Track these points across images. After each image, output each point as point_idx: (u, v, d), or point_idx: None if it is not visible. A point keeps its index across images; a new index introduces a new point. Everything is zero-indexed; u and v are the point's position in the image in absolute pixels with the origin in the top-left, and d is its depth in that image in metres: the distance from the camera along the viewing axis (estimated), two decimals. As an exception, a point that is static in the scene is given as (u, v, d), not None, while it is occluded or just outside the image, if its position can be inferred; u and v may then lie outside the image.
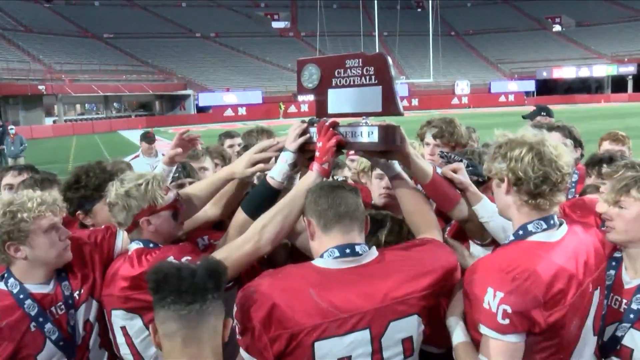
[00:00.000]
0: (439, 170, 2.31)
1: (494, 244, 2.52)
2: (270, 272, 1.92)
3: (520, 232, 1.93)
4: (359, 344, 1.77)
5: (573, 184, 3.88)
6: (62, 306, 2.25)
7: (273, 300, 1.75)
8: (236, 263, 2.06)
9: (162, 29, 65.28)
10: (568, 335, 1.87)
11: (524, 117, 6.40)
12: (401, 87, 54.04)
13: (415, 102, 54.09)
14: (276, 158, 2.28)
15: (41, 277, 2.24)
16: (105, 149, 26.12)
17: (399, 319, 1.83)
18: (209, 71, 57.12)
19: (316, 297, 1.76)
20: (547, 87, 60.54)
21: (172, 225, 2.29)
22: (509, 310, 1.71)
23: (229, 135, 5.67)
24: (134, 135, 27.81)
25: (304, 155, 2.22)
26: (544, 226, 1.91)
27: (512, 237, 1.96)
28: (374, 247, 1.93)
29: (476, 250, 2.70)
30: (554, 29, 72.94)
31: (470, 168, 2.49)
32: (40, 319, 2.17)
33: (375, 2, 51.24)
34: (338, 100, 2.15)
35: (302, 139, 2.18)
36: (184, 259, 2.07)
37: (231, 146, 5.43)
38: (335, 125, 2.13)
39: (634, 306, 2.19)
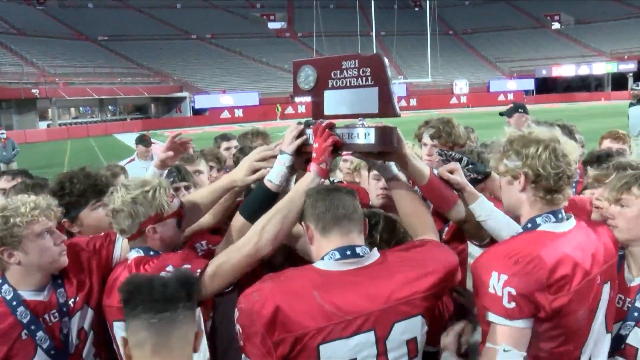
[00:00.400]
0: (435, 172, 2.32)
1: (492, 243, 2.53)
2: (271, 275, 1.91)
3: (529, 225, 1.98)
4: (364, 346, 1.77)
5: (574, 184, 3.89)
6: (56, 314, 2.23)
7: (276, 304, 1.74)
8: (237, 266, 2.06)
9: (157, 31, 65.29)
10: (575, 325, 1.89)
11: (501, 114, 6.45)
12: (399, 87, 54.09)
13: (413, 102, 54.15)
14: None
15: (36, 283, 2.22)
16: (101, 153, 26.10)
17: (403, 319, 1.83)
18: (204, 73, 57.12)
19: (320, 299, 1.76)
20: (546, 86, 60.65)
21: (176, 232, 2.28)
22: (514, 292, 1.76)
23: (226, 137, 5.67)
24: (129, 139, 27.80)
25: (301, 157, 2.22)
26: (553, 219, 1.96)
27: (520, 230, 2.01)
28: (375, 249, 1.94)
29: (474, 250, 2.71)
30: (553, 27, 73.10)
31: (470, 166, 2.50)
32: (32, 327, 2.16)
33: (373, 1, 51.28)
34: (334, 101, 2.16)
35: (298, 141, 2.18)
36: (184, 267, 2.06)
37: (228, 149, 5.43)
38: (331, 127, 2.13)
39: (638, 304, 2.21)
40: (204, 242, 2.65)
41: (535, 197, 1.96)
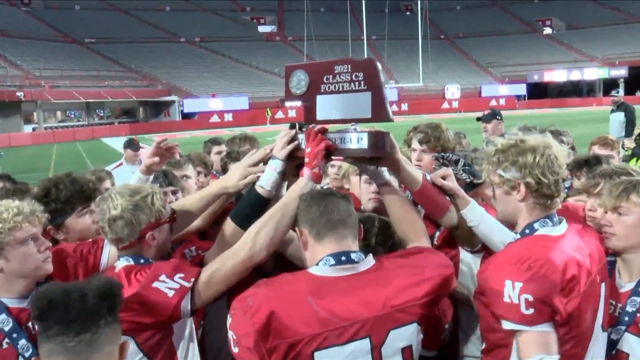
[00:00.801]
0: (428, 177, 2.33)
1: (484, 249, 2.54)
2: (265, 280, 1.91)
3: (527, 231, 2.00)
4: (359, 354, 1.77)
5: (566, 190, 3.93)
6: None
7: (271, 309, 1.73)
8: (231, 272, 2.04)
9: (146, 34, 65.10)
10: (585, 327, 1.93)
11: (478, 119, 6.53)
12: (390, 92, 54.22)
13: (404, 106, 54.32)
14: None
15: (20, 290, 2.19)
16: (88, 157, 25.93)
17: (399, 327, 1.83)
18: (193, 77, 56.98)
19: (315, 305, 1.76)
20: (538, 91, 61.08)
21: (169, 237, 2.28)
22: (531, 298, 1.76)
23: (216, 142, 5.67)
24: (117, 143, 27.68)
25: (292, 163, 2.22)
26: (550, 224, 2.00)
27: (518, 236, 2.03)
28: (370, 255, 1.94)
29: (466, 256, 2.72)
30: (544, 32, 73.70)
31: (467, 167, 2.52)
32: (14, 335, 2.12)
33: (363, 5, 51.48)
34: (327, 106, 2.16)
35: (290, 147, 2.18)
36: (176, 277, 2.05)
37: (218, 153, 5.43)
38: (323, 131, 2.13)
39: (628, 309, 2.23)
40: (193, 248, 2.64)
41: (535, 204, 1.99)
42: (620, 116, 12.10)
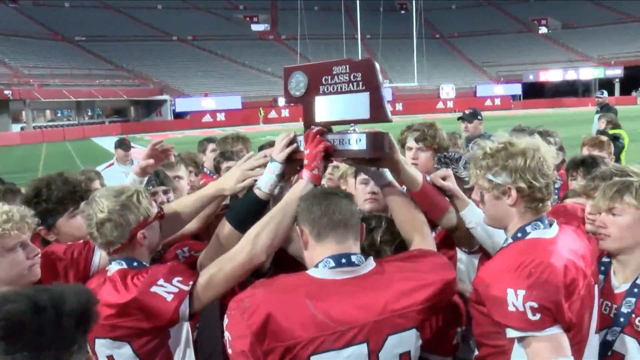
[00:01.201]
0: (428, 178, 2.33)
1: (481, 251, 2.55)
2: (263, 282, 1.90)
3: (519, 234, 1.98)
4: (357, 359, 1.76)
5: (556, 191, 3.94)
6: None
7: (268, 311, 1.72)
8: (230, 275, 2.03)
9: (137, 32, 64.91)
10: (584, 330, 1.92)
11: (460, 118, 6.59)
12: (385, 92, 54.11)
13: (399, 106, 54.39)
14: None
15: None
16: (78, 157, 25.83)
17: (397, 332, 1.82)
18: (186, 76, 56.86)
19: (313, 308, 1.74)
20: (533, 91, 61.35)
21: (159, 236, 2.26)
22: (536, 305, 1.74)
23: (212, 140, 5.69)
24: (108, 143, 27.58)
25: (291, 165, 2.22)
26: (541, 226, 1.98)
27: (510, 240, 2.00)
28: (371, 258, 1.93)
29: (463, 257, 2.73)
30: (540, 31, 74.04)
31: (468, 165, 2.53)
32: None
33: (358, 4, 51.51)
34: (325, 107, 2.16)
35: (289, 149, 2.18)
36: (174, 280, 2.03)
37: (214, 151, 5.45)
38: (322, 133, 2.13)
39: (623, 310, 2.24)
40: (185, 249, 2.64)
41: (526, 208, 1.96)
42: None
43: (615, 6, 70.29)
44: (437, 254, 2.12)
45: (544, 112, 46.67)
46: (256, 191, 2.18)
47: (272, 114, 50.79)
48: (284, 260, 2.34)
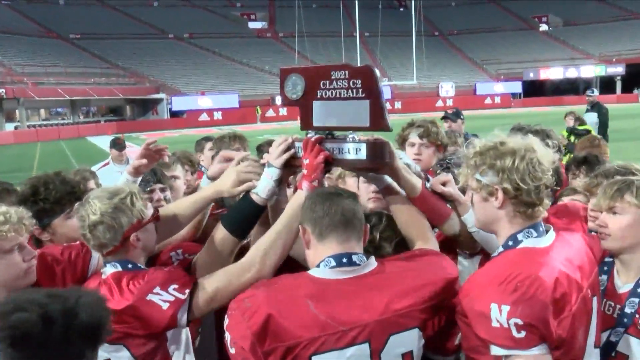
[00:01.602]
0: (427, 185, 2.32)
1: (481, 252, 2.55)
2: (264, 282, 1.91)
3: (510, 243, 1.90)
4: (359, 359, 1.76)
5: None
6: None
7: (269, 312, 1.73)
8: (236, 292, 2.01)
9: (133, 30, 64.81)
10: (578, 347, 1.84)
11: (443, 117, 6.61)
12: (384, 90, 54.08)
13: (398, 104, 54.39)
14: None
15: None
16: (73, 157, 25.79)
17: (400, 332, 1.82)
18: (182, 74, 56.79)
19: (314, 308, 1.75)
20: (534, 88, 61.37)
21: (155, 238, 2.25)
22: (520, 322, 1.66)
23: (210, 139, 5.68)
24: (103, 142, 27.51)
25: (288, 170, 2.22)
26: (534, 234, 1.89)
27: (501, 249, 1.93)
28: (372, 257, 1.94)
29: (463, 259, 2.73)
30: (540, 29, 74.07)
31: None
32: None
33: (356, 1, 51.49)
34: (324, 112, 2.15)
35: (287, 155, 2.18)
36: (170, 288, 2.02)
37: (212, 149, 5.44)
38: (321, 141, 2.13)
39: (627, 310, 2.24)
40: (179, 251, 2.63)
41: (515, 212, 1.88)
42: (593, 116, 12.27)
43: (617, 3, 70.37)
44: (438, 254, 2.12)
45: (545, 110, 46.70)
46: (253, 196, 2.18)
47: (270, 113, 50.75)
48: (284, 261, 2.34)
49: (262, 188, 2.18)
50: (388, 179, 2.26)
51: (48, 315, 1.29)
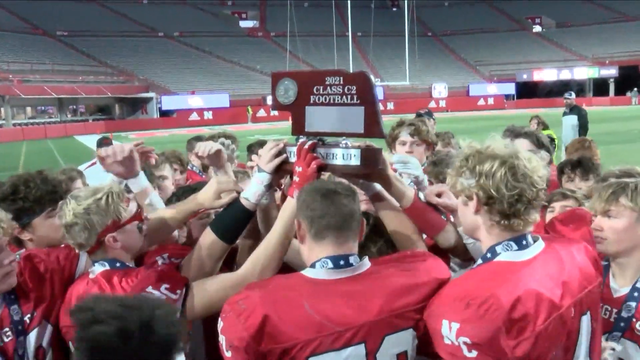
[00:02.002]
0: (420, 195, 2.31)
1: (474, 261, 2.55)
2: (258, 283, 1.91)
3: (488, 255, 1.84)
4: None
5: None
6: (9, 333, 2.14)
7: (264, 313, 1.73)
8: None
9: (122, 27, 64.52)
10: None
11: (417, 116, 6.67)
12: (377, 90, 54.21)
13: (390, 105, 54.49)
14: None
15: None
16: (60, 156, 25.64)
17: (394, 332, 1.83)
18: (172, 73, 56.62)
19: (309, 309, 1.75)
20: (527, 90, 61.72)
21: (138, 238, 2.24)
22: (469, 342, 1.61)
23: (200, 139, 5.66)
24: (91, 141, 27.34)
25: (279, 175, 2.22)
26: (515, 247, 1.80)
27: (479, 261, 1.88)
28: (366, 258, 1.94)
29: (455, 265, 2.72)
30: (534, 30, 74.51)
31: None
32: None
33: (348, 1, 51.55)
34: (316, 118, 2.15)
35: (278, 160, 2.17)
36: (162, 288, 2.03)
37: None
38: (314, 148, 2.12)
39: (624, 314, 2.24)
40: (165, 255, 2.61)
41: (491, 221, 1.80)
42: (573, 119, 12.38)
43: (610, 5, 70.88)
44: (431, 255, 2.12)
45: (538, 112, 47.02)
46: (243, 201, 2.17)
47: (261, 113, 50.67)
48: None
49: (252, 193, 2.17)
50: (377, 186, 2.25)
51: (126, 329, 1.32)
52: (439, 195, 2.29)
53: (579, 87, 64.27)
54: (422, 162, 3.70)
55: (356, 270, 1.88)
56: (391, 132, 3.67)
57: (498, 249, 1.81)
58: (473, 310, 1.63)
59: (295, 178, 2.10)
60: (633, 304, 2.23)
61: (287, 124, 2.27)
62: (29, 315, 2.20)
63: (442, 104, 57.91)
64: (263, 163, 2.18)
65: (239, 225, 2.18)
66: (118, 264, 2.16)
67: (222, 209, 2.29)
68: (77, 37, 59.30)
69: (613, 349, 2.14)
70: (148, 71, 55.35)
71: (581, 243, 2.00)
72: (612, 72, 59.83)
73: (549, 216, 3.26)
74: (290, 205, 2.08)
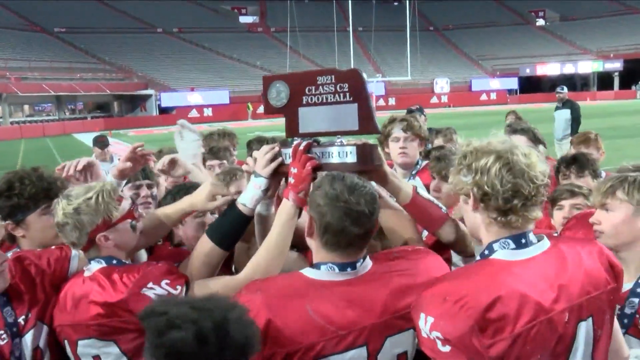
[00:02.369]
0: (420, 191, 2.29)
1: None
2: (259, 285, 1.89)
3: (486, 252, 1.81)
4: None
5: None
6: (4, 335, 2.14)
7: (268, 317, 1.73)
8: None
9: (121, 24, 64.60)
10: None
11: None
12: (377, 86, 54.37)
13: (392, 101, 54.52)
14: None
15: None
16: (58, 154, 25.68)
17: (396, 334, 1.84)
18: (171, 69, 56.69)
19: (312, 313, 1.76)
20: (530, 85, 61.65)
21: (132, 236, 2.24)
22: (441, 337, 1.61)
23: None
24: (90, 139, 27.35)
25: (275, 178, 2.21)
26: (512, 245, 1.77)
27: (477, 257, 1.87)
28: (367, 257, 1.94)
29: (458, 260, 2.72)
30: (537, 24, 74.43)
31: None
32: None
33: (350, -5, 51.55)
34: (310, 118, 2.15)
35: (274, 164, 2.16)
36: (163, 283, 2.04)
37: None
38: (309, 149, 2.12)
39: (627, 311, 2.25)
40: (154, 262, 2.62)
41: (489, 218, 1.78)
42: (566, 113, 12.38)
43: (614, -2, 70.82)
44: (432, 253, 2.12)
45: (541, 106, 46.91)
46: (240, 207, 2.16)
47: (262, 109, 50.08)
48: None
49: (249, 198, 2.16)
50: (374, 185, 2.24)
51: (202, 334, 1.33)
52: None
53: (583, 81, 64.26)
54: (415, 158, 3.80)
55: (359, 272, 1.88)
56: (383, 129, 3.70)
57: (495, 246, 1.79)
58: (448, 306, 1.62)
59: (291, 179, 2.09)
60: (636, 300, 2.25)
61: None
62: (23, 317, 2.19)
63: (444, 99, 57.86)
64: (259, 168, 2.17)
65: (236, 231, 2.17)
66: (114, 261, 2.16)
67: (218, 216, 2.30)
68: (75, 34, 59.35)
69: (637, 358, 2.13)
70: (147, 68, 55.39)
71: (596, 246, 1.92)
72: (616, 65, 59.79)
73: (557, 214, 3.26)
74: (286, 207, 2.07)
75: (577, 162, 3.78)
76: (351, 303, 1.80)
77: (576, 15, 71.28)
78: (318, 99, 2.11)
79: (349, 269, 1.86)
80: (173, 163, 2.97)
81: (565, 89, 12.85)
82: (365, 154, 2.05)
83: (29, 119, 48.83)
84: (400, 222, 2.26)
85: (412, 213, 2.27)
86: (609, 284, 1.85)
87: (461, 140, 1.92)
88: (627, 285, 2.27)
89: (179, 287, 2.05)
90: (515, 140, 1.86)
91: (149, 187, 3.17)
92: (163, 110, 50.83)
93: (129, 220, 2.22)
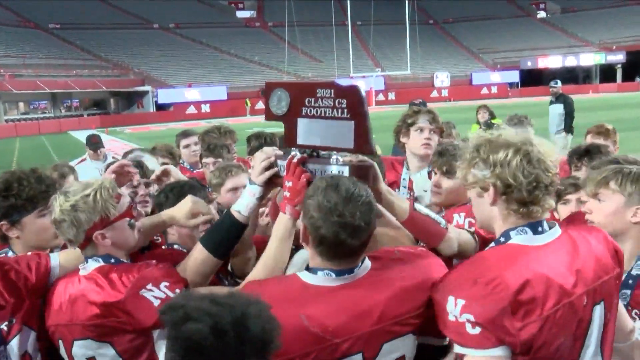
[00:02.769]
0: (416, 205, 2.28)
1: None
2: (253, 288, 1.87)
3: (502, 239, 1.86)
4: None
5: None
6: None
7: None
8: None
9: (116, 19, 64.43)
10: (558, 356, 1.74)
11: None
12: (377, 80, 54.31)
13: (391, 95, 54.47)
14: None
15: None
16: (54, 152, 25.66)
17: (393, 339, 1.83)
18: (168, 65, 56.59)
19: (306, 321, 1.74)
20: (531, 78, 61.45)
21: (130, 235, 2.23)
22: (473, 319, 1.62)
23: (184, 134, 5.68)
24: (86, 137, 27.36)
25: (269, 187, 2.22)
26: (529, 232, 1.83)
27: (492, 244, 1.90)
28: (366, 259, 1.92)
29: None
30: (538, 16, 74.30)
31: None
32: None
33: (348, -12, 51.47)
34: (308, 131, 2.14)
35: (269, 173, 2.16)
36: (162, 285, 2.03)
37: (186, 146, 5.43)
38: (304, 162, 2.11)
39: (619, 302, 2.25)
40: (153, 262, 2.62)
41: (508, 210, 1.82)
42: (559, 108, 12.39)
43: (616, -11, 70.65)
44: (433, 255, 2.11)
45: (543, 100, 47.00)
46: (235, 214, 2.15)
47: (260, 105, 50.51)
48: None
49: (244, 206, 2.15)
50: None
51: (219, 327, 1.33)
52: None
53: (586, 74, 64.16)
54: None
55: (357, 276, 1.86)
56: (405, 119, 3.77)
57: (512, 233, 1.83)
58: (480, 287, 1.65)
59: (286, 193, 2.08)
60: (628, 292, 2.26)
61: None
62: (6, 323, 2.18)
63: (445, 93, 57.76)
64: (254, 175, 2.17)
65: (231, 239, 2.17)
66: (112, 260, 2.16)
67: (213, 225, 2.29)
68: (70, 30, 59.21)
69: None
70: (143, 64, 55.32)
71: (601, 232, 2.00)
72: (619, 57, 59.69)
73: (562, 209, 3.27)
74: (283, 221, 2.06)
75: (589, 154, 3.78)
76: (347, 309, 1.78)
77: (577, 7, 71.14)
78: (317, 111, 2.09)
79: (346, 275, 1.84)
80: (166, 173, 3.15)
81: (559, 83, 12.84)
82: (359, 174, 2.01)
83: (24, 116, 48.70)
84: (394, 231, 2.26)
85: (411, 229, 2.28)
86: (615, 269, 1.93)
87: (471, 133, 1.94)
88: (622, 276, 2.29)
89: (177, 291, 2.04)
90: (531, 133, 1.92)
91: (147, 185, 3.18)
92: (160, 107, 50.76)
93: (127, 219, 2.21)
